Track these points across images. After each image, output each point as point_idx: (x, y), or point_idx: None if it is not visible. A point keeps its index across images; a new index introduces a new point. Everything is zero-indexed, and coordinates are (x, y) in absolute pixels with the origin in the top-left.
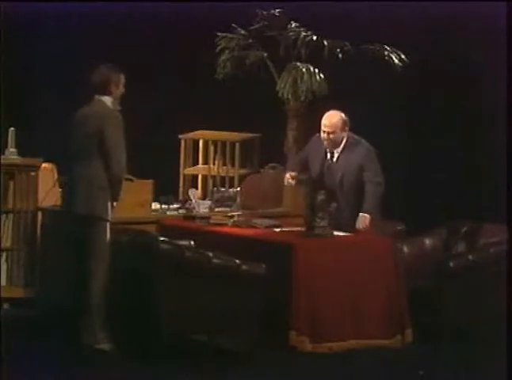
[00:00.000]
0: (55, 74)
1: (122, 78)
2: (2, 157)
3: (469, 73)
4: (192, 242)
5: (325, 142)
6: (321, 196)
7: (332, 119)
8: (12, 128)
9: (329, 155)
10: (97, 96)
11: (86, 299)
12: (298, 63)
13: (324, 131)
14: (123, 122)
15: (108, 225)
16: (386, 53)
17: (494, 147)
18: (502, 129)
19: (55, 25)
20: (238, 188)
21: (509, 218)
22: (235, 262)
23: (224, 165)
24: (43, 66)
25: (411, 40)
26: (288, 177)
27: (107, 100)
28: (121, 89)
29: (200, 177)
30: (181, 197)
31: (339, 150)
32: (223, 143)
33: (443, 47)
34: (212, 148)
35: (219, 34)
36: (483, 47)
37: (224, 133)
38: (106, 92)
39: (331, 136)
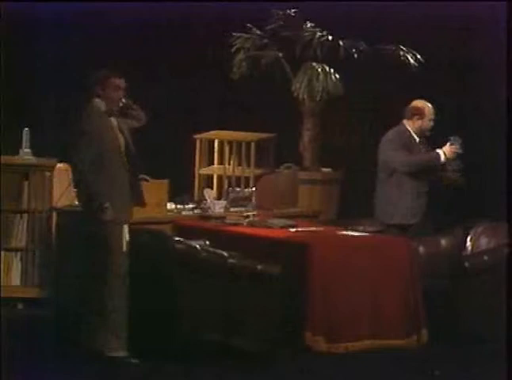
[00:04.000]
0: (63, 74)
1: (113, 81)
2: (18, 157)
3: (469, 72)
4: (207, 242)
5: (429, 129)
6: None
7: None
8: (26, 129)
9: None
10: (89, 99)
11: (99, 304)
12: (313, 63)
13: (431, 119)
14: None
15: (124, 227)
16: (401, 53)
17: (494, 147)
18: (503, 129)
19: (61, 23)
20: (254, 188)
21: (509, 218)
22: (251, 262)
23: (239, 165)
24: (52, 66)
25: (411, 40)
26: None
27: (97, 102)
28: (113, 93)
29: (215, 177)
30: (196, 197)
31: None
32: (239, 143)
33: (443, 47)
34: (227, 148)
35: (234, 34)
36: (483, 47)
37: (239, 133)
38: (96, 94)
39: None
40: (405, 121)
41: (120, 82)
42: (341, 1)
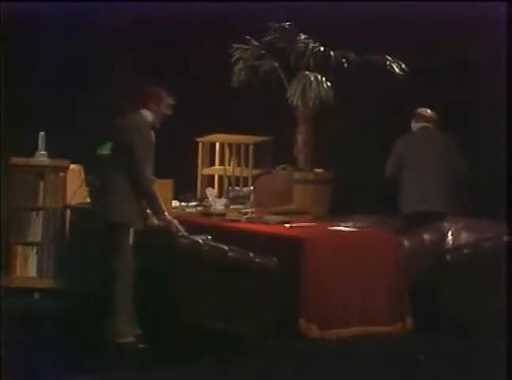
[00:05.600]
0: (63, 73)
1: (165, 98)
2: (34, 159)
3: (469, 73)
4: (209, 237)
5: None
6: None
7: None
8: (42, 132)
9: None
10: (137, 109)
11: (109, 298)
12: (307, 72)
13: None
14: (153, 137)
15: (131, 230)
16: (388, 62)
17: (494, 146)
18: (503, 128)
19: (61, 23)
20: (252, 187)
21: (509, 216)
22: (249, 255)
23: (239, 165)
24: (52, 65)
25: (412, 41)
26: None
27: (146, 114)
28: (163, 109)
29: (216, 177)
30: (198, 195)
31: None
32: (238, 146)
33: (443, 47)
34: (227, 150)
35: (234, 45)
36: (483, 47)
37: (239, 136)
38: (145, 106)
39: None
40: (431, 125)
41: (170, 100)
42: (344, 0)
